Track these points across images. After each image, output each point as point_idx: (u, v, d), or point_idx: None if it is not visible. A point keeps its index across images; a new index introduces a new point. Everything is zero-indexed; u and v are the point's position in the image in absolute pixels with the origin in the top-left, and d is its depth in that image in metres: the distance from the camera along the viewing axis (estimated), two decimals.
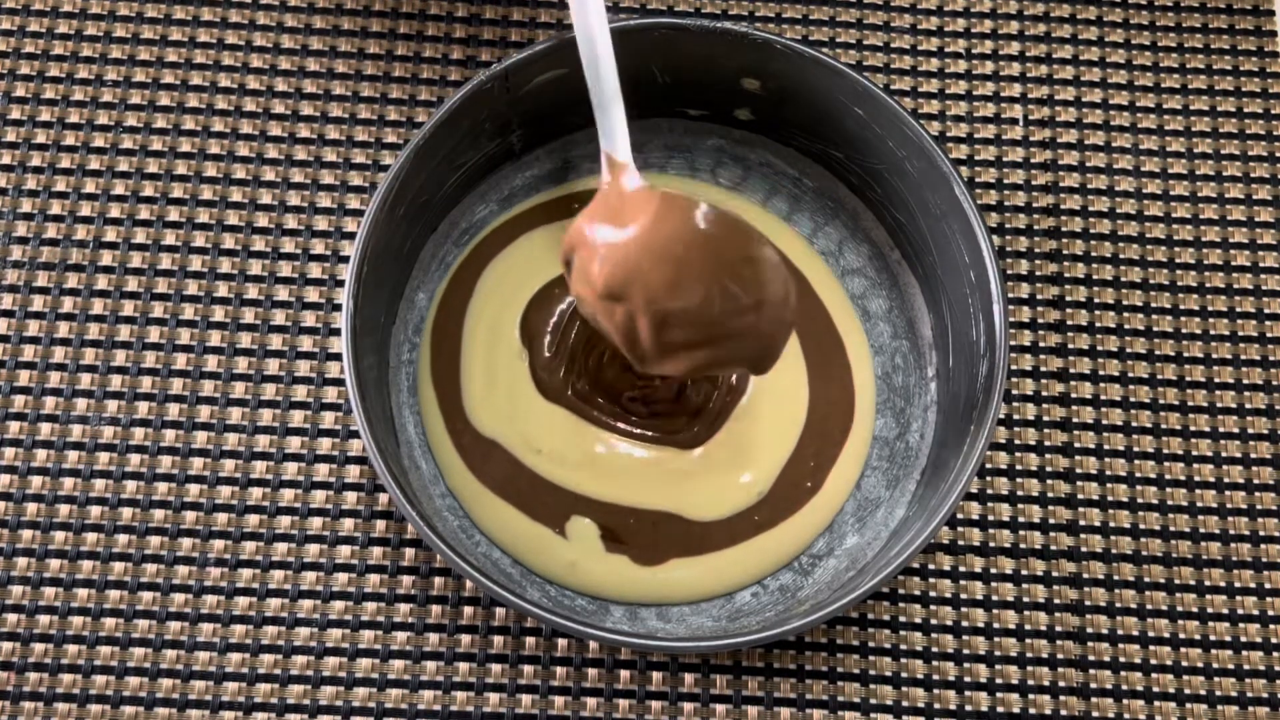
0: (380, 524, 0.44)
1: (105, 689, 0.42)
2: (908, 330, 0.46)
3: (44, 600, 0.42)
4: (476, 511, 0.43)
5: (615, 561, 0.43)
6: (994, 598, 0.44)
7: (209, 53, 0.49)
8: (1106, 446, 0.45)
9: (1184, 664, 0.43)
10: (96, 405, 0.44)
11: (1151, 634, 0.44)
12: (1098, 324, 0.47)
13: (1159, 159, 0.49)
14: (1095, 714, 0.43)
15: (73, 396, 0.44)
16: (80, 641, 0.42)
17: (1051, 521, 0.45)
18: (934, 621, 0.43)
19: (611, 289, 0.38)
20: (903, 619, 0.43)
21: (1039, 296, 0.47)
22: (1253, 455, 0.46)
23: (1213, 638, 0.44)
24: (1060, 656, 0.43)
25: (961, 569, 0.44)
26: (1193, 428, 0.46)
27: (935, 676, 0.43)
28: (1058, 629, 0.43)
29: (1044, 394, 0.46)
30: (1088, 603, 0.44)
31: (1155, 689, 0.43)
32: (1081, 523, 0.45)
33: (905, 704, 0.42)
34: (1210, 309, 0.47)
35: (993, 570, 0.44)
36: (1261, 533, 0.45)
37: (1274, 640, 0.44)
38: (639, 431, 0.44)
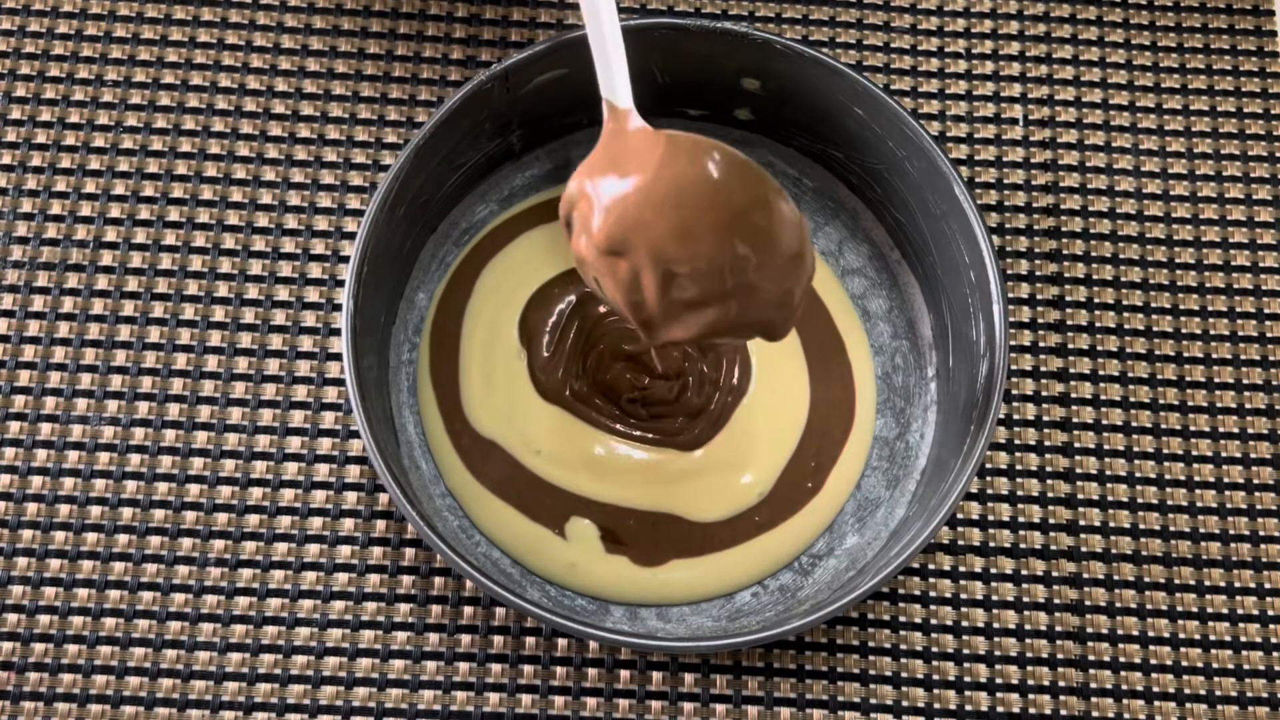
0: (380, 524, 0.44)
1: (105, 689, 0.42)
2: (908, 330, 0.46)
3: (44, 600, 0.42)
4: (476, 512, 0.43)
5: (615, 562, 0.42)
6: (994, 598, 0.44)
7: (209, 53, 0.49)
8: (1106, 446, 0.45)
9: (1184, 664, 0.43)
10: (97, 405, 0.44)
11: (1151, 634, 0.44)
12: (1098, 324, 0.47)
13: (1159, 159, 0.49)
14: (1095, 714, 0.43)
15: (73, 396, 0.44)
16: (80, 641, 0.42)
17: (1051, 521, 0.44)
18: (934, 621, 0.43)
19: (613, 241, 0.36)
20: (903, 619, 0.43)
21: (1039, 296, 0.47)
22: (1253, 455, 0.46)
23: (1213, 638, 0.44)
24: (1060, 656, 0.43)
25: (961, 569, 0.44)
26: (1193, 428, 0.46)
27: (935, 676, 0.43)
28: (1058, 629, 0.43)
29: (1044, 394, 0.46)
30: (1088, 603, 0.44)
31: (1155, 689, 0.43)
32: (1081, 523, 0.45)
33: (905, 704, 0.42)
34: (1210, 309, 0.47)
35: (993, 570, 0.44)
36: (1261, 533, 0.45)
37: (1274, 640, 0.44)
38: (639, 434, 0.44)
